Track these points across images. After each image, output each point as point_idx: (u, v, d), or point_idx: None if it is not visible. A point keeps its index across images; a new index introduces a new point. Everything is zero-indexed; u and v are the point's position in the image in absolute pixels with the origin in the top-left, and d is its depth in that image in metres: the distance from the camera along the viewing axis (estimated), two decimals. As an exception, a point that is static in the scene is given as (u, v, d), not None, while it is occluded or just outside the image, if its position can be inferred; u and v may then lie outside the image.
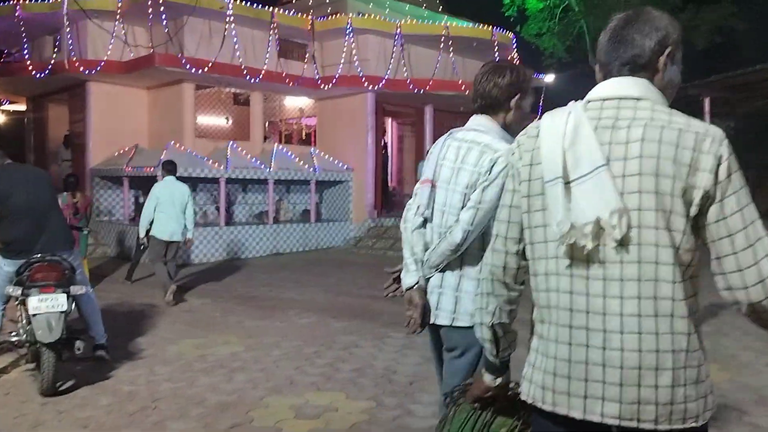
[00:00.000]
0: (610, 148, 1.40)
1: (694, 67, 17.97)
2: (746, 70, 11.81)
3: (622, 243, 1.37)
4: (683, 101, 13.52)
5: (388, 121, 16.93)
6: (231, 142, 12.86)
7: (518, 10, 20.06)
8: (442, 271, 2.34)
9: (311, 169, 13.37)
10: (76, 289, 4.32)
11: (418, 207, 2.39)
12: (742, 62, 12.94)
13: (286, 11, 13.59)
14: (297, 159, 13.46)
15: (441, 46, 13.76)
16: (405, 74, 13.67)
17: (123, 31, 12.24)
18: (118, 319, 6.67)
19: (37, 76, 12.25)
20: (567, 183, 1.41)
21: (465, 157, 2.31)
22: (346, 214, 14.10)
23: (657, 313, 1.37)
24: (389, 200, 15.04)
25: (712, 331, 5.71)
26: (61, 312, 4.15)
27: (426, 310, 2.35)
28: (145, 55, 11.84)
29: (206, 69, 11.74)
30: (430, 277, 2.36)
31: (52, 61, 12.37)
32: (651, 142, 1.36)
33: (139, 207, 13.23)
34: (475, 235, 2.26)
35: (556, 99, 21.27)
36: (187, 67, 11.56)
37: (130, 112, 13.42)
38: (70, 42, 12.44)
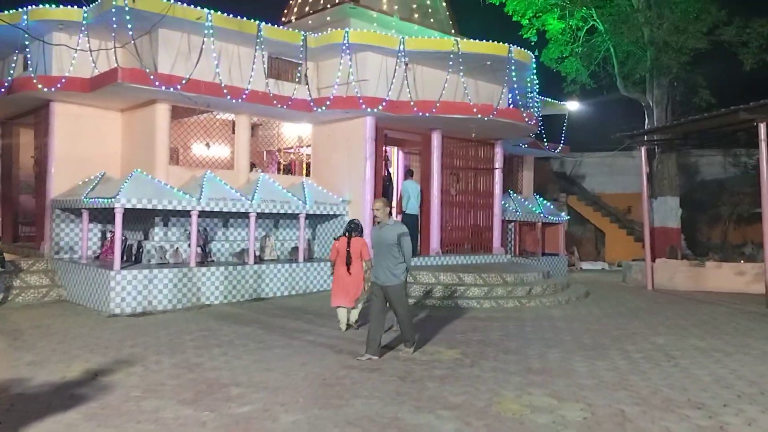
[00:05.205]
0: None
1: (745, 89, 16.18)
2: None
3: None
4: (734, 127, 11.72)
5: (393, 150, 15.36)
6: (207, 171, 11.32)
7: (538, 34, 18.48)
8: None
9: (301, 201, 11.73)
10: None
11: None
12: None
13: (280, 27, 12.16)
14: (286, 190, 11.85)
15: (450, 64, 12.12)
16: (409, 96, 12.06)
17: (88, 45, 10.79)
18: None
19: (-8, 95, 10.88)
20: None
21: None
22: (341, 254, 12.35)
23: None
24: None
25: None
26: None
27: None
28: (108, 70, 10.40)
29: (179, 87, 10.26)
30: None
31: (9, 78, 10.99)
32: None
33: (104, 242, 11.74)
34: None
35: (580, 127, 19.70)
36: (157, 84, 10.09)
37: (101, 136, 12.03)
38: (28, 57, 11.08)
